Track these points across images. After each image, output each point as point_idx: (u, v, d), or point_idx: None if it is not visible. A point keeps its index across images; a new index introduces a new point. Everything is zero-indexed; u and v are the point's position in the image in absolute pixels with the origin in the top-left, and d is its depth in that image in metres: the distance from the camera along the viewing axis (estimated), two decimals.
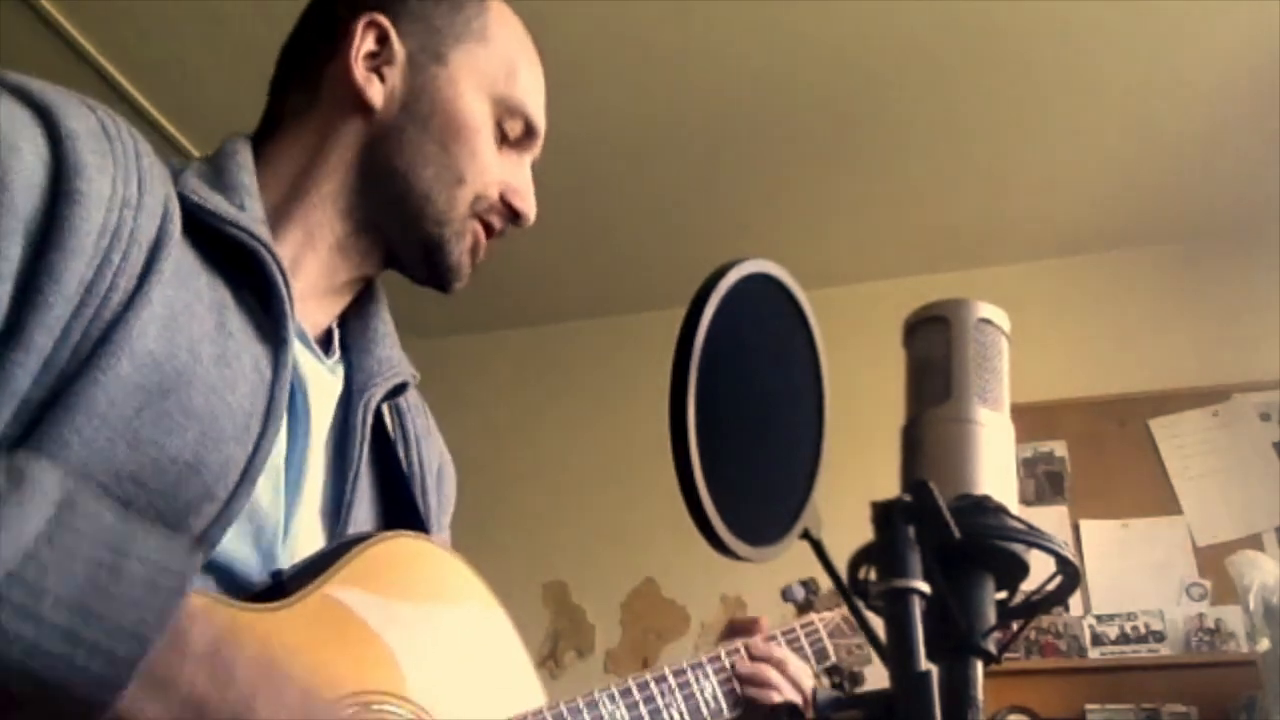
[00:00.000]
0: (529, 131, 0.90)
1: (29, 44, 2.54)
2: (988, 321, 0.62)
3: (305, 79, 0.88)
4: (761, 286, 0.58)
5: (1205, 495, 3.03)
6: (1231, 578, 2.55)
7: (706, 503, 0.50)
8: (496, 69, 0.88)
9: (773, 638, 1.10)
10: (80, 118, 0.67)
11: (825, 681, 1.16)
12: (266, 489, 0.74)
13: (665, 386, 0.51)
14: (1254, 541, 2.88)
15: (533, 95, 0.91)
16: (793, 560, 0.61)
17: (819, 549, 0.57)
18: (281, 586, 0.72)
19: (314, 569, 0.73)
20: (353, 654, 0.72)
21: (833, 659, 1.16)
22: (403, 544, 0.80)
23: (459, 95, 0.86)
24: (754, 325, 0.57)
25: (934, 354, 0.62)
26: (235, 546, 0.72)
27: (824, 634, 1.17)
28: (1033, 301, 3.19)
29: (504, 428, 3.62)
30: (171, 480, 0.65)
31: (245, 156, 0.82)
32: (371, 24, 0.85)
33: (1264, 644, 2.43)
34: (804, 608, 1.21)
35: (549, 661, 3.35)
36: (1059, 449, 3.15)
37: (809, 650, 1.13)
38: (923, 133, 2.88)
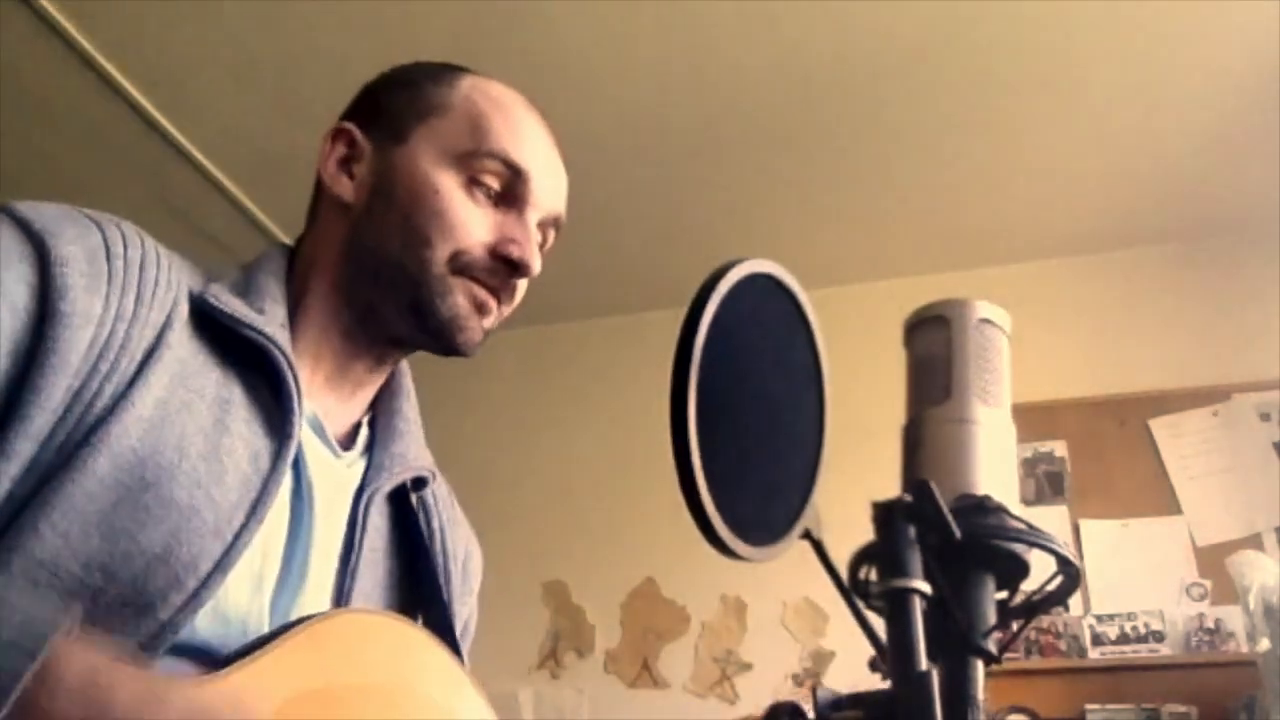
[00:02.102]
0: (516, 177, 0.88)
1: (29, 44, 2.54)
2: (988, 321, 0.63)
3: (312, 195, 0.95)
4: (762, 286, 0.58)
5: (1205, 495, 3.02)
6: (1231, 578, 2.55)
7: (707, 503, 0.50)
8: (460, 130, 0.88)
9: None
10: (78, 241, 0.72)
11: None
12: (248, 578, 0.76)
13: (666, 386, 0.51)
14: (1254, 541, 2.88)
15: (509, 141, 0.88)
16: (793, 560, 0.61)
17: (819, 549, 0.57)
18: (227, 662, 0.70)
19: (258, 645, 0.71)
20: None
21: None
22: (351, 619, 0.78)
23: (417, 165, 0.88)
24: (754, 325, 0.57)
25: (934, 354, 0.62)
26: (216, 633, 0.72)
27: None
28: (1033, 301, 3.18)
29: (504, 427, 3.62)
30: (139, 569, 0.68)
31: (277, 264, 0.89)
32: (339, 132, 0.92)
33: (1264, 644, 2.43)
34: None
35: (549, 661, 3.35)
36: (1059, 449, 3.15)
37: None
38: (923, 133, 2.88)
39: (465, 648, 0.95)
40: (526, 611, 3.37)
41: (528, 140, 0.90)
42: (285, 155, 2.80)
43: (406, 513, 0.92)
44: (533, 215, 0.90)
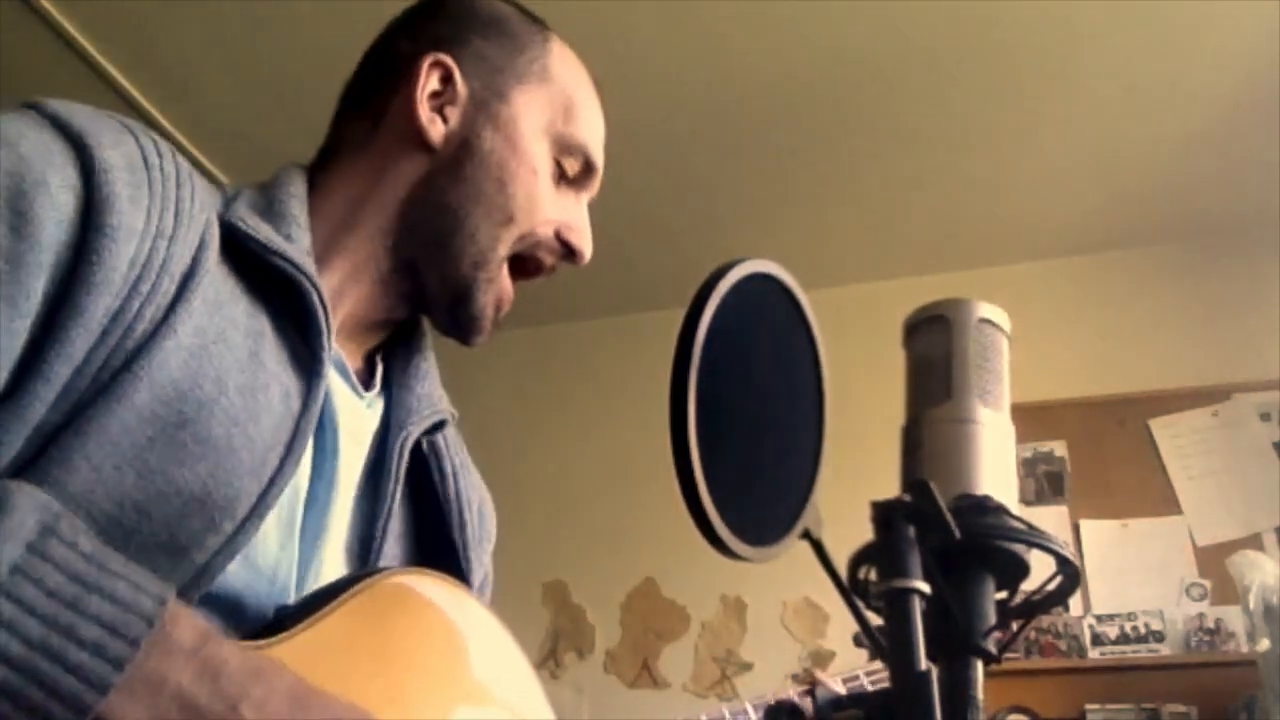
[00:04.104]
0: (587, 169, 0.90)
1: (29, 44, 2.54)
2: (988, 321, 0.62)
3: (366, 112, 0.88)
4: (761, 286, 0.58)
5: (1205, 495, 3.02)
6: (1231, 578, 2.55)
7: (706, 503, 0.50)
8: (556, 108, 0.88)
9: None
10: (118, 147, 0.67)
11: None
12: (278, 524, 0.73)
13: (665, 386, 0.51)
14: (1254, 541, 2.88)
15: (591, 133, 0.91)
16: (793, 560, 0.61)
17: (819, 549, 0.57)
18: (280, 623, 0.69)
19: (314, 605, 0.70)
20: (352, 688, 0.68)
21: None
22: (409, 579, 0.77)
23: (519, 134, 0.86)
24: (754, 325, 0.57)
25: (934, 354, 0.62)
26: (246, 582, 0.70)
27: None
28: (1033, 301, 3.19)
29: (504, 428, 3.62)
30: (175, 511, 0.64)
31: (298, 186, 0.83)
32: (437, 63, 0.86)
33: (1264, 644, 2.43)
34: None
35: (549, 661, 3.35)
36: (1059, 449, 3.15)
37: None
38: (923, 133, 2.88)
39: (485, 598, 0.92)
40: (526, 611, 3.37)
41: (601, 134, 0.93)
42: (285, 155, 2.79)
43: (417, 455, 0.87)
44: (585, 199, 0.92)
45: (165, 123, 2.81)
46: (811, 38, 2.56)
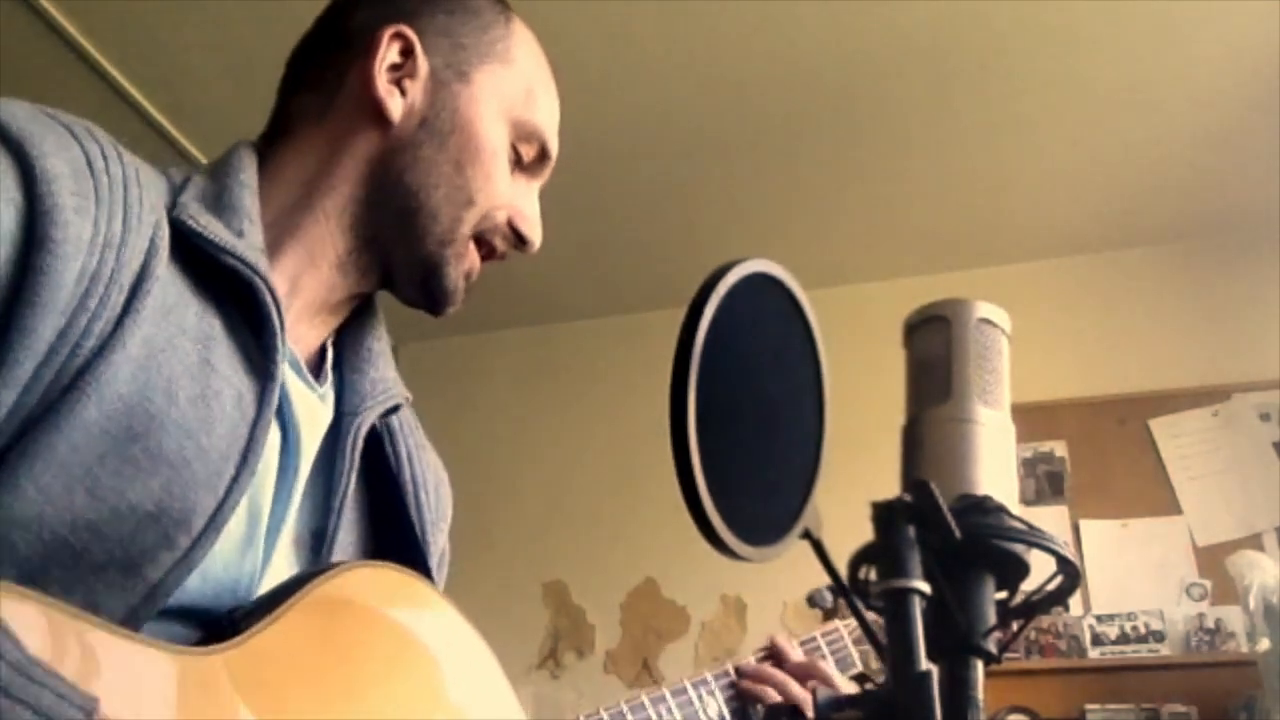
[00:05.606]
0: (542, 156, 0.89)
1: (29, 44, 2.54)
2: (988, 321, 0.62)
3: (320, 83, 0.86)
4: (762, 286, 0.58)
5: (1205, 495, 3.03)
6: (1231, 578, 2.55)
7: (706, 503, 0.50)
8: (517, 91, 0.86)
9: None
10: (61, 154, 0.64)
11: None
12: (240, 533, 0.71)
13: (666, 386, 0.51)
14: (1254, 541, 2.89)
15: (549, 120, 0.89)
16: (793, 560, 0.61)
17: (819, 549, 0.57)
18: (234, 625, 0.67)
19: (268, 605, 0.68)
20: (305, 694, 0.66)
21: (859, 667, 1.12)
22: (364, 574, 0.75)
23: (479, 116, 0.84)
24: (754, 325, 0.57)
25: (934, 354, 0.62)
26: (205, 593, 0.69)
27: (848, 640, 1.13)
28: (1033, 301, 3.19)
29: (504, 428, 3.62)
30: (129, 529, 0.62)
31: (249, 173, 0.80)
32: (397, 35, 0.83)
33: (1264, 644, 2.43)
34: (830, 613, 1.17)
35: (549, 661, 3.35)
36: (1059, 449, 3.16)
37: (830, 658, 1.11)
38: (923, 133, 2.88)
39: (441, 578, 0.90)
40: (526, 611, 3.37)
41: (557, 121, 0.91)
42: None
43: (370, 439, 0.84)
44: (538, 186, 0.90)
45: (165, 122, 2.81)
46: (812, 38, 2.56)
